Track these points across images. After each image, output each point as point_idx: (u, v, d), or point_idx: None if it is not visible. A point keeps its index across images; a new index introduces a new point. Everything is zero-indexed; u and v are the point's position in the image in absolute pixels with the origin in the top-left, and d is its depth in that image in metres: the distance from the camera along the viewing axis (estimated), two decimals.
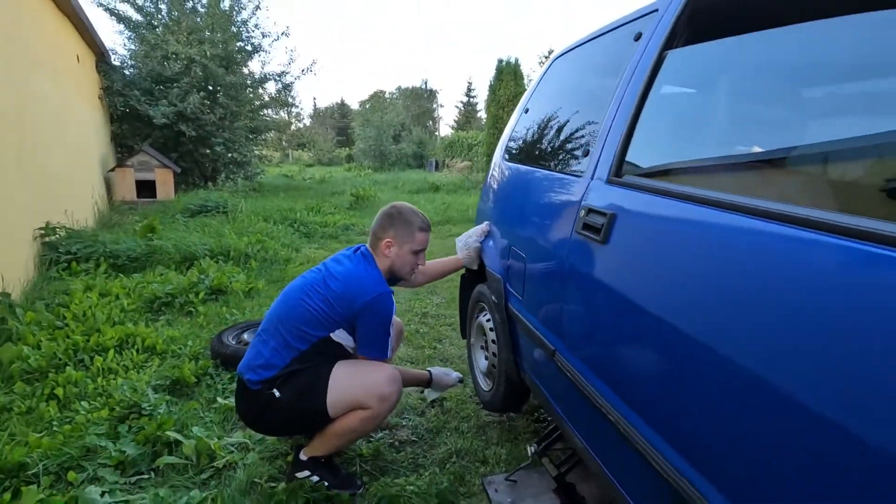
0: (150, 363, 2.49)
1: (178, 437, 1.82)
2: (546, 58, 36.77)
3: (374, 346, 1.70)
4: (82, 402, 2.08)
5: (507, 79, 12.41)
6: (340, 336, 1.70)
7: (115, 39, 17.21)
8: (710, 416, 0.82)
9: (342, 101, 49.82)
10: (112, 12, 9.89)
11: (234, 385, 2.30)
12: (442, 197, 10.59)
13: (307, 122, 43.26)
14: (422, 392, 1.99)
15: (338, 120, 45.43)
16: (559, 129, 1.63)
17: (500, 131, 12.45)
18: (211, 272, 3.82)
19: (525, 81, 12.90)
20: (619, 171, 1.17)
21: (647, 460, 0.95)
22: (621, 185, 1.15)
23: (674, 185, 1.03)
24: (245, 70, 11.29)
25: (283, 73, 11.50)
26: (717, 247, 0.86)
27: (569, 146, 1.50)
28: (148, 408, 2.02)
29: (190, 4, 10.56)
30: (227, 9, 10.76)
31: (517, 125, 1.98)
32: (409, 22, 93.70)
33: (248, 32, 11.09)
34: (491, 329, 1.98)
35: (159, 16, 10.35)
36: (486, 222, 2.03)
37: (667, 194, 1.01)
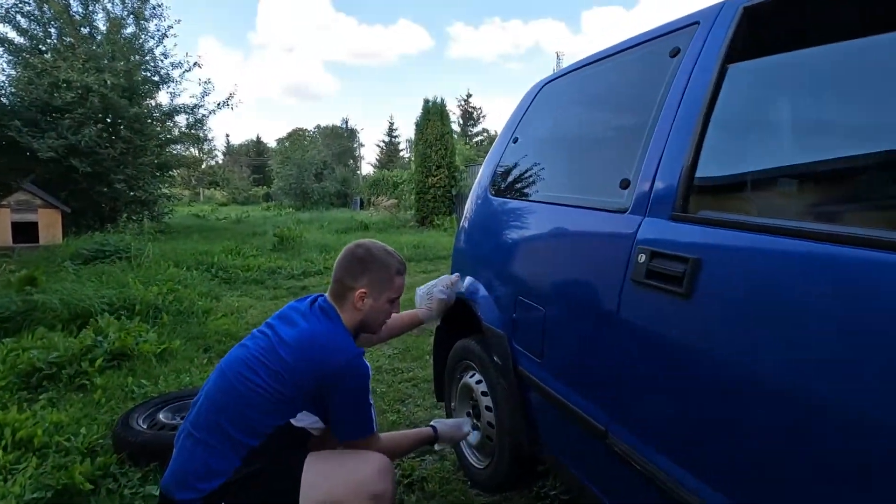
0: (25, 464, 1.86)
1: None
2: (465, 101, 38.22)
3: (357, 423, 1.33)
4: None
5: (434, 118, 12.54)
6: (305, 420, 1.30)
7: None
8: None
9: (258, 138, 47.95)
10: None
11: (148, 489, 1.78)
12: (373, 235, 10.18)
13: (220, 159, 41.07)
14: (431, 445, 1.58)
15: (253, 158, 43.60)
16: (572, 159, 1.41)
17: (429, 170, 12.49)
18: (111, 332, 3.13)
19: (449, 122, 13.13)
20: (686, 205, 0.95)
21: None
22: (695, 221, 0.92)
23: (777, 219, 0.82)
24: (152, 102, 10.37)
25: (195, 105, 10.70)
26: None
27: (594, 177, 1.28)
28: None
29: (86, 30, 9.59)
30: (130, 36, 9.91)
31: (505, 156, 1.74)
32: (330, 59, 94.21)
33: (156, 62, 10.26)
34: (484, 393, 1.67)
35: (48, 40, 9.27)
36: (455, 273, 1.74)
37: (773, 232, 0.79)
